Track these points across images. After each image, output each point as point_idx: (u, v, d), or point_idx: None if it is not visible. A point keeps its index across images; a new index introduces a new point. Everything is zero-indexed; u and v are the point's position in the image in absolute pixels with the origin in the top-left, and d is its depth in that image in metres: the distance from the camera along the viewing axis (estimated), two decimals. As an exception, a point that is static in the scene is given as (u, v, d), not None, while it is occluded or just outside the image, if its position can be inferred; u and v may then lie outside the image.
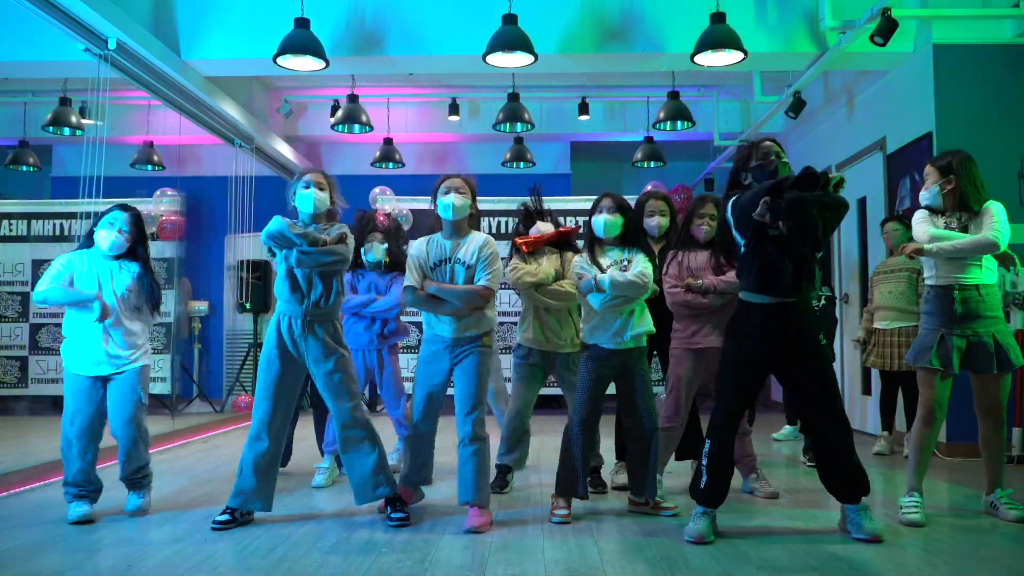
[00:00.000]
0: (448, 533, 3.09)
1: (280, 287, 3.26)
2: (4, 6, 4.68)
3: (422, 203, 7.74)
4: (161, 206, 7.85)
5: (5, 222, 7.85)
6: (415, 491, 3.49)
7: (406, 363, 7.43)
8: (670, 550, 2.84)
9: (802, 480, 4.20)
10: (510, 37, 4.80)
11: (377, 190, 7.87)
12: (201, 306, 7.97)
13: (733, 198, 3.06)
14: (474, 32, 5.18)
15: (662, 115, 6.65)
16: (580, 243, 3.73)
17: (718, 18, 4.80)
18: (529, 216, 3.89)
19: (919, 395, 3.40)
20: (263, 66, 5.41)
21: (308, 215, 3.29)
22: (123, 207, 3.45)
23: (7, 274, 7.82)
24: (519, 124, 6.87)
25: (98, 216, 3.46)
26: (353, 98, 6.77)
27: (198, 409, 7.50)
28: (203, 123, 6.35)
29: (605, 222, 3.34)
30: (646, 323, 3.36)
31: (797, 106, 6.10)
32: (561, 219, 4.28)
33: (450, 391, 3.35)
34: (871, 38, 4.67)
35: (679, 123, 6.71)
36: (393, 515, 3.21)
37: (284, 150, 7.62)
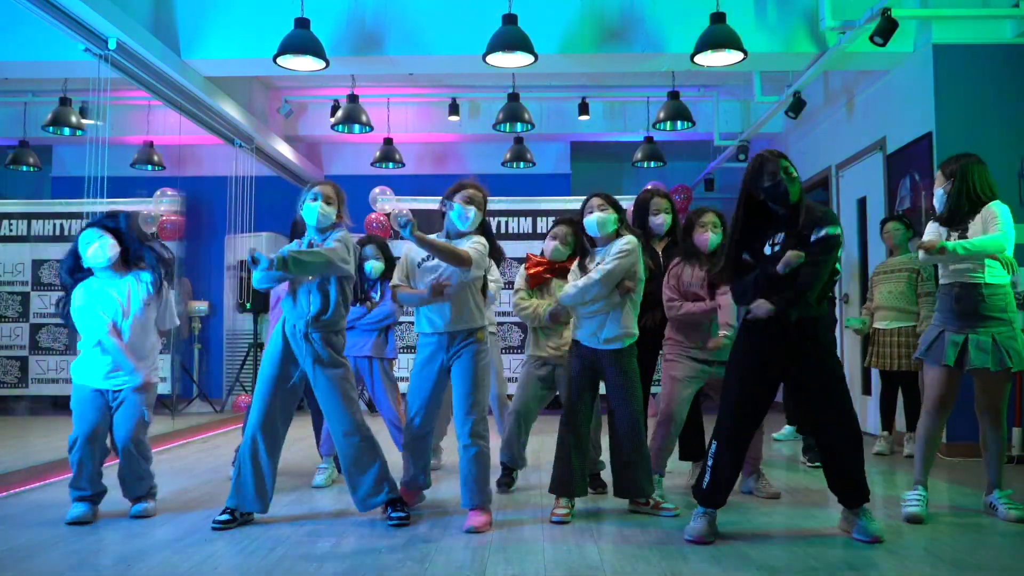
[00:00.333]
0: (448, 533, 3.09)
1: (284, 300, 3.29)
2: (4, 6, 4.68)
3: (422, 203, 7.75)
4: (161, 206, 7.85)
5: (5, 222, 7.85)
6: (417, 493, 3.49)
7: (406, 363, 7.45)
8: (670, 550, 2.84)
9: (802, 480, 4.21)
10: (510, 37, 4.80)
11: (377, 190, 7.87)
12: (201, 306, 7.97)
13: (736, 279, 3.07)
14: (474, 32, 5.18)
15: (662, 115, 6.65)
16: None
17: (718, 18, 4.80)
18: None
19: (925, 389, 3.44)
20: (263, 66, 5.41)
21: (312, 227, 3.29)
22: (88, 225, 3.40)
23: (7, 274, 7.82)
24: (519, 124, 6.87)
25: (74, 245, 3.40)
26: (353, 98, 6.77)
27: (198, 409, 7.50)
28: (203, 123, 6.35)
29: (598, 220, 3.32)
30: (625, 327, 3.32)
31: (797, 106, 6.10)
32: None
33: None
34: (871, 38, 4.67)
35: (679, 123, 6.71)
36: (393, 515, 3.21)
37: (284, 150, 7.62)
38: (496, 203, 7.62)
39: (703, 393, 3.72)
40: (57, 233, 7.84)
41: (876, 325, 5.09)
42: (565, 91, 7.62)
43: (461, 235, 3.31)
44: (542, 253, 3.91)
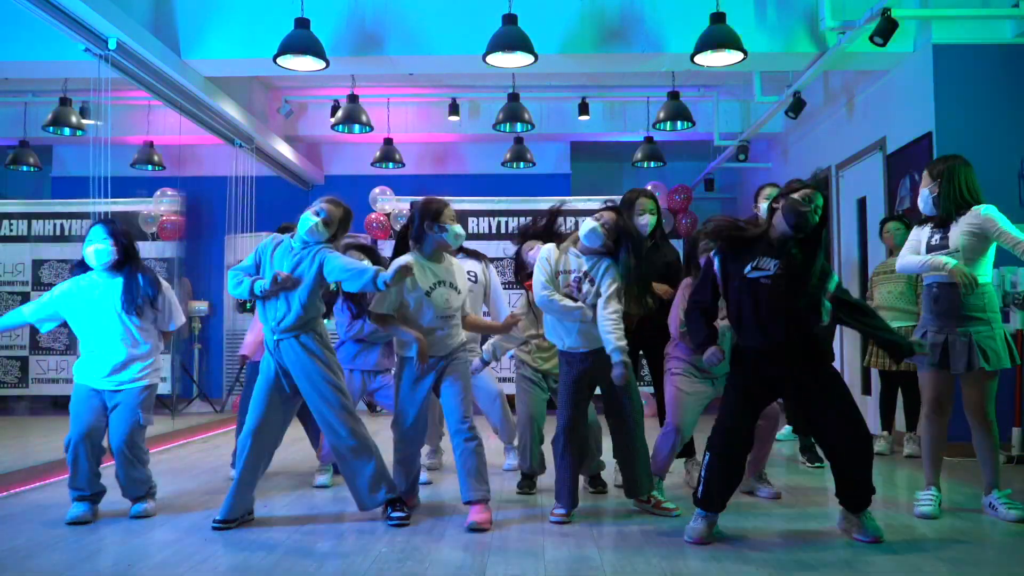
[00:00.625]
0: (448, 533, 3.09)
1: (258, 306, 3.30)
2: (4, 6, 4.68)
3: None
4: (161, 206, 7.85)
5: (5, 222, 7.85)
6: (413, 498, 3.50)
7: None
8: (670, 550, 2.84)
9: (802, 480, 4.21)
10: (510, 37, 4.80)
11: (377, 190, 7.87)
12: (201, 306, 7.97)
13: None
14: (474, 32, 5.18)
15: (662, 115, 6.65)
16: None
17: (718, 18, 4.80)
18: (551, 222, 3.78)
19: (921, 391, 3.45)
20: (263, 66, 5.41)
21: (300, 239, 3.27)
22: (100, 221, 3.47)
23: (7, 274, 7.82)
24: (519, 124, 6.87)
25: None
26: (353, 98, 6.77)
27: (198, 409, 7.50)
28: (203, 123, 6.35)
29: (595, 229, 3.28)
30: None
31: (797, 106, 6.10)
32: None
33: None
34: (871, 38, 4.67)
35: (679, 123, 6.71)
36: (393, 515, 3.21)
37: (284, 150, 7.62)
38: (496, 203, 7.72)
39: None
40: (57, 233, 7.84)
41: (876, 325, 5.08)
42: (565, 91, 7.62)
43: (451, 251, 3.43)
44: (518, 272, 3.95)
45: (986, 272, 3.33)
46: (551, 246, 3.39)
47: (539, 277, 3.30)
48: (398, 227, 7.66)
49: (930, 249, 3.35)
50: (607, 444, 3.94)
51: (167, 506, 3.55)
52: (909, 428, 5.02)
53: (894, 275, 4.98)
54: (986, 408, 3.32)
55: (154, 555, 2.80)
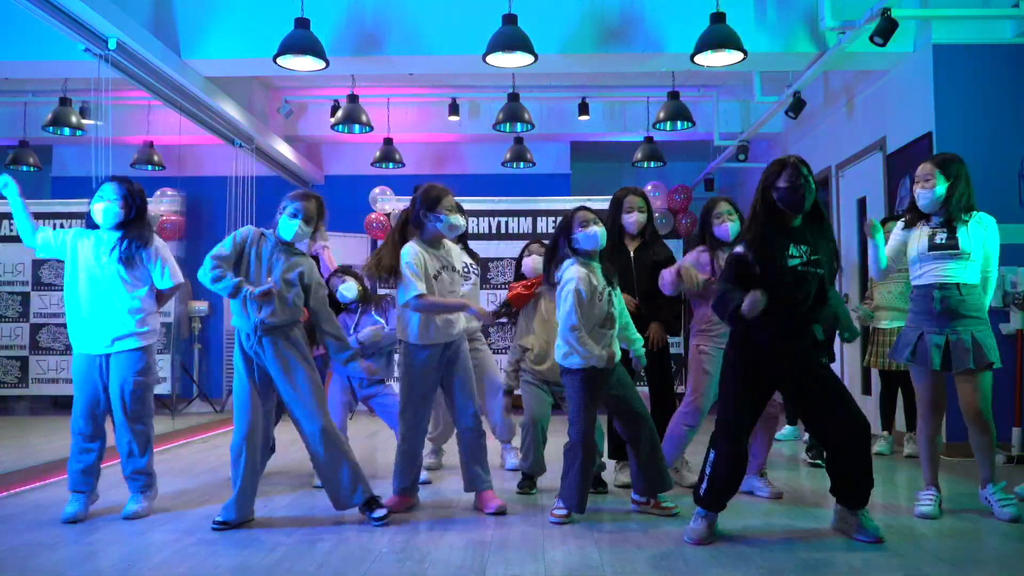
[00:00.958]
0: (448, 533, 3.09)
1: (233, 303, 3.24)
2: (4, 6, 4.68)
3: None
4: (161, 206, 7.85)
5: (5, 222, 7.85)
6: (413, 497, 3.51)
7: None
8: (670, 550, 2.84)
9: (802, 480, 4.21)
10: (510, 37, 4.80)
11: (377, 190, 7.87)
12: (201, 306, 7.97)
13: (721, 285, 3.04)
14: (474, 32, 5.18)
15: (662, 115, 6.65)
16: None
17: (718, 18, 4.80)
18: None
19: (916, 393, 3.46)
20: (263, 66, 5.41)
21: (284, 242, 3.29)
22: (113, 178, 3.45)
23: (7, 274, 7.82)
24: (519, 124, 6.87)
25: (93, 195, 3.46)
26: (353, 98, 6.77)
27: (198, 409, 7.50)
28: (203, 123, 6.35)
29: (601, 233, 3.26)
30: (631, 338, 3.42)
31: (797, 106, 6.10)
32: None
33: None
34: (871, 38, 4.67)
35: (679, 123, 6.71)
36: (374, 516, 3.21)
37: (284, 150, 7.62)
38: (496, 203, 7.71)
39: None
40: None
41: (876, 325, 5.09)
42: (565, 91, 7.62)
43: (445, 241, 3.47)
44: (517, 277, 4.00)
45: (976, 270, 3.35)
46: (579, 270, 3.24)
47: (573, 308, 3.18)
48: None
49: (934, 248, 3.33)
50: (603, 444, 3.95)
51: (167, 506, 3.55)
52: (909, 428, 5.02)
53: (893, 275, 4.98)
54: (981, 406, 3.31)
55: (154, 555, 2.80)
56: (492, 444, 4.43)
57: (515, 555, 2.78)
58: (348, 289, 4.08)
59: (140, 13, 5.15)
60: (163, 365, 7.48)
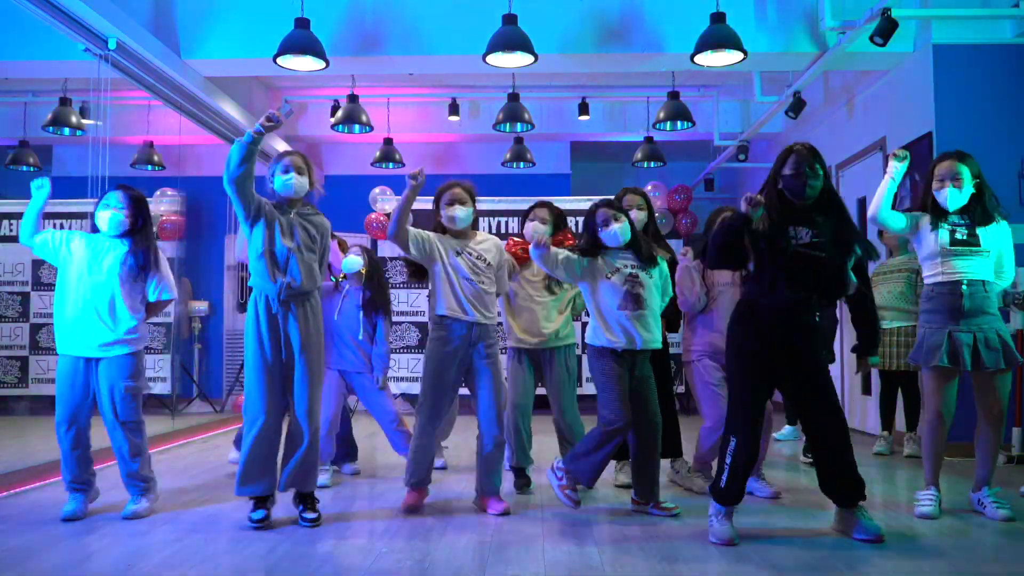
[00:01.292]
0: (448, 533, 3.09)
1: (256, 264, 3.21)
2: (4, 6, 4.67)
3: (422, 203, 7.72)
4: (161, 206, 7.84)
5: (5, 222, 7.85)
6: (424, 490, 3.52)
7: (405, 362, 7.45)
8: (670, 550, 2.84)
9: (802, 480, 4.21)
10: (510, 37, 4.80)
11: (377, 190, 7.86)
12: (201, 306, 7.96)
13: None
14: (474, 32, 5.18)
15: (662, 115, 6.65)
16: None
17: (718, 18, 4.80)
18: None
19: (926, 397, 3.41)
20: (263, 66, 5.41)
21: (286, 199, 3.30)
22: (120, 187, 3.46)
23: (7, 274, 7.81)
24: (519, 124, 6.87)
25: (98, 200, 3.48)
26: (353, 98, 6.77)
27: (198, 409, 7.50)
28: (203, 123, 6.35)
29: (619, 230, 3.36)
30: (658, 331, 3.44)
31: (797, 106, 6.10)
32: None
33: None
34: (871, 38, 4.67)
35: (679, 123, 6.71)
36: (305, 515, 3.20)
37: (284, 150, 7.61)
38: (496, 203, 7.70)
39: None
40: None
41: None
42: (565, 91, 7.62)
43: (464, 234, 3.52)
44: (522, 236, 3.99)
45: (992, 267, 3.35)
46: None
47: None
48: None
49: (955, 243, 3.29)
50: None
51: (167, 506, 3.55)
52: (909, 428, 5.02)
53: (893, 275, 4.99)
54: (1003, 405, 3.32)
55: (154, 555, 2.80)
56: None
57: (515, 555, 2.78)
58: (351, 262, 4.08)
59: (140, 13, 5.15)
60: (163, 365, 7.48)
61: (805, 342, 2.97)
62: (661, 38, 5.31)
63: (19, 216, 7.77)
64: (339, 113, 6.83)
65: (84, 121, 6.68)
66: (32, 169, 7.82)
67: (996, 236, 3.35)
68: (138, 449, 3.37)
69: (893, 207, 3.42)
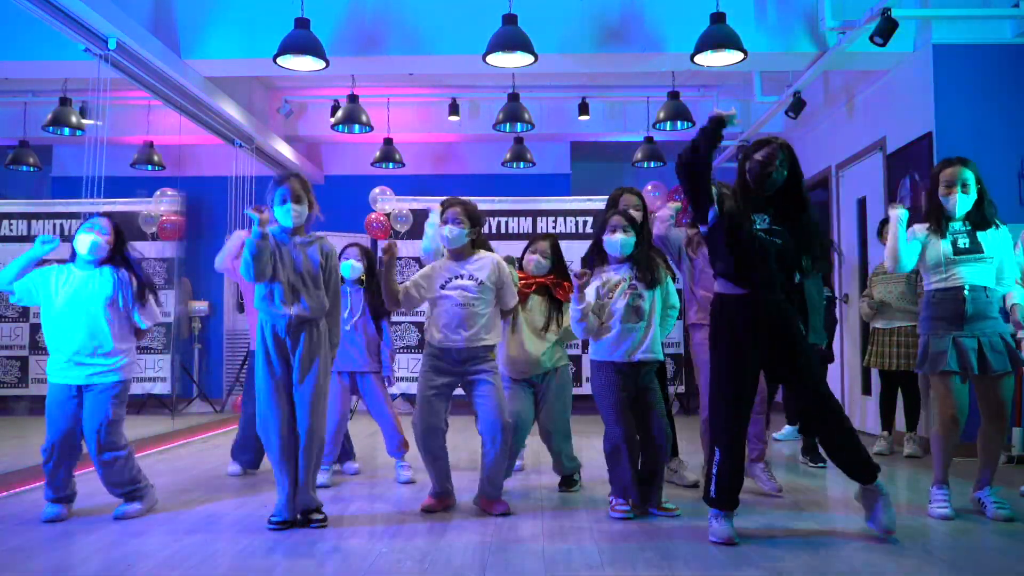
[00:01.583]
0: (448, 533, 3.09)
1: (263, 293, 3.21)
2: (4, 6, 4.67)
3: (422, 203, 7.74)
4: (161, 206, 7.84)
5: (5, 222, 7.85)
6: (446, 499, 3.52)
7: (406, 362, 7.45)
8: (670, 550, 2.84)
9: (802, 480, 4.20)
10: (510, 37, 4.80)
11: (377, 190, 7.87)
12: (201, 306, 7.96)
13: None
14: (474, 32, 5.18)
15: (662, 115, 6.65)
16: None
17: (718, 18, 4.80)
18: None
19: (938, 406, 3.37)
20: (263, 66, 5.41)
21: (288, 230, 3.28)
22: (105, 214, 3.49)
23: (7, 274, 7.81)
24: (519, 124, 6.87)
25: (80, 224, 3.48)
26: (353, 98, 6.77)
27: (198, 409, 7.50)
28: (203, 123, 6.35)
29: (623, 242, 3.39)
30: (658, 344, 3.45)
31: (797, 106, 6.10)
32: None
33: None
34: (871, 38, 4.67)
35: (679, 123, 6.71)
36: (315, 519, 3.21)
37: (284, 150, 7.62)
38: (496, 203, 7.70)
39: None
40: (57, 233, 7.82)
41: (876, 325, 5.09)
42: (565, 91, 7.61)
43: (460, 254, 3.48)
44: (520, 268, 3.96)
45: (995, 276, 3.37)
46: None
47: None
48: (398, 227, 7.70)
49: (958, 251, 3.30)
50: (590, 443, 3.95)
51: (167, 506, 3.55)
52: (909, 428, 5.02)
53: (894, 275, 4.99)
54: (1008, 407, 3.33)
55: (154, 555, 2.80)
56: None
57: (515, 555, 2.78)
58: (352, 268, 4.10)
59: (140, 13, 5.15)
60: (163, 365, 7.48)
61: (782, 323, 2.98)
62: (661, 38, 5.31)
63: (19, 216, 7.82)
64: (339, 113, 6.83)
65: (84, 121, 6.68)
66: (32, 169, 7.82)
67: (998, 242, 3.36)
68: (122, 467, 3.36)
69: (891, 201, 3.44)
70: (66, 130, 6.60)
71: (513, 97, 6.77)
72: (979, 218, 3.35)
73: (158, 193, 7.86)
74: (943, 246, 3.33)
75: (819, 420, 3.00)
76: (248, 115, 6.77)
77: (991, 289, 3.31)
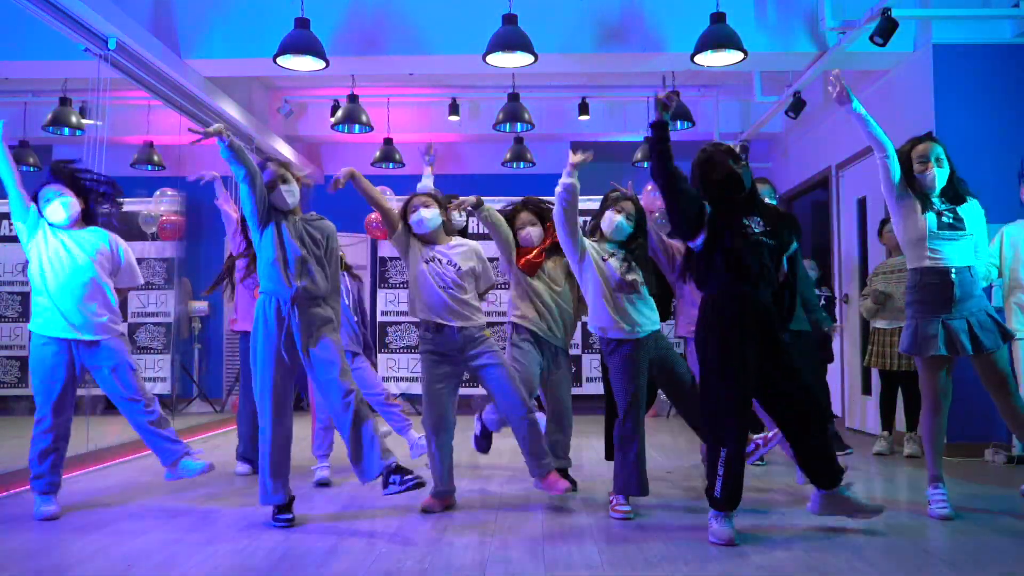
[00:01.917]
0: (448, 532, 3.09)
1: (268, 270, 3.21)
2: (4, 6, 4.68)
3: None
4: (161, 206, 7.84)
5: (5, 222, 7.85)
6: (446, 500, 3.52)
7: (406, 362, 7.45)
8: (670, 550, 2.84)
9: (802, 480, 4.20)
10: (510, 37, 4.80)
11: (377, 190, 7.86)
12: (201, 306, 7.96)
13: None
14: (474, 32, 5.18)
15: (662, 115, 6.64)
16: None
17: (718, 18, 4.80)
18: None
19: (923, 386, 3.40)
20: (263, 66, 5.41)
21: (284, 210, 3.31)
22: (49, 176, 3.51)
23: (7, 274, 7.82)
24: (519, 124, 6.87)
25: (35, 199, 3.48)
26: (353, 98, 6.77)
27: (198, 409, 7.50)
28: (203, 123, 6.35)
29: (620, 223, 3.48)
30: (655, 313, 3.48)
31: (797, 106, 6.10)
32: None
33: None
34: (871, 38, 4.67)
35: (679, 123, 6.71)
36: (402, 482, 3.09)
37: (284, 150, 7.61)
38: (496, 203, 7.66)
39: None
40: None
41: (876, 325, 5.09)
42: (565, 91, 7.61)
43: (436, 239, 3.55)
44: (518, 246, 3.91)
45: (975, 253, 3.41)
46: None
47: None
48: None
49: (942, 227, 3.30)
50: (597, 444, 3.95)
51: (167, 506, 3.55)
52: (909, 428, 5.02)
53: (893, 275, 4.99)
54: (1009, 377, 3.34)
55: (154, 555, 2.80)
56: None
57: (515, 555, 2.78)
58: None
59: (140, 13, 5.15)
60: (163, 365, 7.48)
61: (771, 324, 3.00)
62: (661, 38, 5.31)
63: (19, 216, 7.80)
64: (339, 113, 6.83)
65: (84, 121, 6.68)
66: (32, 169, 7.81)
67: (975, 216, 3.37)
68: (160, 416, 3.49)
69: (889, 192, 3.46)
70: (66, 130, 6.60)
71: (513, 97, 6.77)
72: (953, 193, 3.35)
73: (158, 193, 7.85)
74: (929, 220, 3.31)
75: (805, 423, 3.01)
76: (248, 115, 6.77)
77: (974, 268, 3.34)
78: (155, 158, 7.58)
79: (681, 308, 3.96)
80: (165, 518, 3.35)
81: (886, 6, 4.57)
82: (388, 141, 7.70)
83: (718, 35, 4.75)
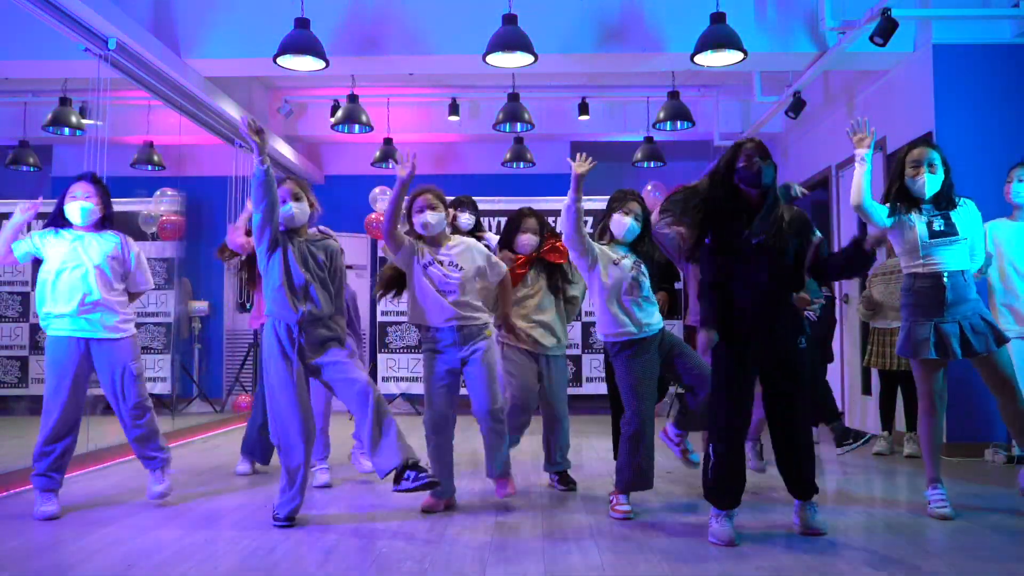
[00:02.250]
0: (448, 533, 3.09)
1: (274, 295, 3.21)
2: (4, 6, 4.68)
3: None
4: (161, 206, 7.83)
5: (5, 222, 7.84)
6: (446, 499, 3.51)
7: (406, 362, 7.45)
8: (670, 550, 2.84)
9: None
10: (510, 37, 4.80)
11: (377, 190, 7.86)
12: (201, 306, 7.96)
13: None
14: (474, 32, 5.18)
15: (662, 115, 6.65)
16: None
17: (718, 18, 4.80)
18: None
19: (918, 388, 3.43)
20: (263, 66, 5.41)
21: (291, 228, 3.30)
22: (82, 177, 3.54)
23: (7, 274, 7.81)
24: (519, 124, 6.87)
25: (62, 195, 3.53)
26: (353, 98, 6.77)
27: (198, 409, 7.50)
28: (203, 123, 6.35)
29: (630, 226, 3.46)
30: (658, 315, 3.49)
31: (797, 106, 6.10)
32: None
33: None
34: (871, 38, 4.67)
35: (679, 123, 6.72)
36: (416, 479, 3.08)
37: (284, 150, 7.62)
38: (496, 203, 7.70)
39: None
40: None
41: (876, 325, 5.09)
42: (565, 91, 7.62)
43: (439, 241, 3.53)
44: (512, 251, 3.94)
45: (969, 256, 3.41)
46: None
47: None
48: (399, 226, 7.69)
49: (934, 235, 3.32)
50: (599, 444, 3.95)
51: (167, 506, 3.55)
52: (909, 428, 5.02)
53: (893, 275, 4.99)
54: (1012, 377, 3.34)
55: (154, 555, 2.80)
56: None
57: (515, 555, 2.78)
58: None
59: (140, 13, 5.16)
60: (163, 365, 7.48)
61: (782, 328, 3.00)
62: (661, 38, 5.31)
63: (19, 216, 7.80)
64: (339, 113, 6.83)
65: (84, 121, 6.68)
66: (32, 169, 7.82)
67: (968, 220, 3.38)
68: (153, 426, 3.52)
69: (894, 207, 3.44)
70: (66, 130, 6.60)
71: (513, 97, 6.77)
72: (945, 200, 3.37)
73: (158, 193, 7.85)
74: (920, 228, 3.33)
75: (795, 433, 3.02)
76: (248, 115, 6.76)
77: (967, 271, 3.34)
78: (155, 158, 7.58)
79: (692, 297, 3.96)
80: (165, 517, 3.35)
81: (886, 6, 4.57)
82: (388, 141, 7.70)
83: (718, 35, 4.75)
